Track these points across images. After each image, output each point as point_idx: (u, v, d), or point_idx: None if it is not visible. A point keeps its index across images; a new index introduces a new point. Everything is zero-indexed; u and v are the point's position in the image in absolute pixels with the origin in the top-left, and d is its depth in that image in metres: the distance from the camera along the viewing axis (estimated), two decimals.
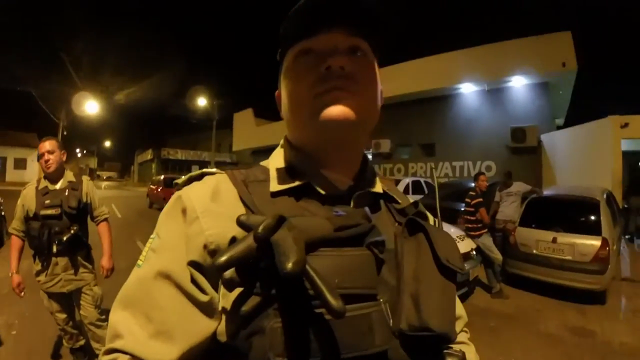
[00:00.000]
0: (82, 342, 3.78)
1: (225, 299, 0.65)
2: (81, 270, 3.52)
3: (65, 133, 27.14)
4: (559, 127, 19.75)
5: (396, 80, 17.70)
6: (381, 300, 0.67)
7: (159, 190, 19.31)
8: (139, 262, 0.72)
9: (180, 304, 0.65)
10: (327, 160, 0.78)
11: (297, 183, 0.76)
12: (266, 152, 25.09)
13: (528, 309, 6.30)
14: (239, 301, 0.61)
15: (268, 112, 38.42)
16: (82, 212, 3.58)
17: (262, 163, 0.86)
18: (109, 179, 75.66)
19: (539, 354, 4.79)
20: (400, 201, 0.89)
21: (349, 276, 0.62)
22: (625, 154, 12.52)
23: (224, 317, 0.66)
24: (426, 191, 13.61)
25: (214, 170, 0.80)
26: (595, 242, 6.37)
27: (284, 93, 0.81)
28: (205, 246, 0.67)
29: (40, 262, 3.41)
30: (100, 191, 18.95)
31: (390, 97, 17.53)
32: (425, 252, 0.73)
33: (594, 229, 6.60)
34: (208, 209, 0.70)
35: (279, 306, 0.59)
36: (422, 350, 0.68)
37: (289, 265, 0.50)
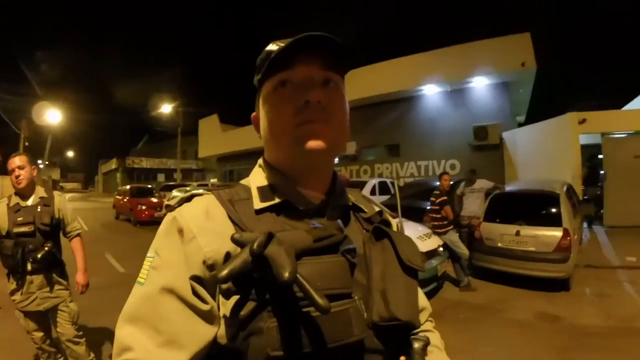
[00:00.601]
0: None
1: (224, 306, 0.73)
2: (56, 287, 3.46)
3: (27, 144, 26.45)
4: (520, 124, 20.22)
5: (360, 83, 17.79)
6: (356, 297, 0.77)
7: (126, 200, 18.87)
8: (140, 279, 0.77)
9: (185, 315, 0.72)
10: (303, 180, 0.87)
11: (277, 200, 0.85)
12: (232, 158, 24.74)
13: (496, 300, 6.48)
14: (237, 307, 0.70)
15: (234, 117, 38.20)
16: (55, 228, 3.52)
17: (242, 182, 0.94)
18: (72, 190, 73.90)
19: (509, 340, 4.95)
20: (366, 210, 0.99)
21: (328, 279, 0.72)
22: (583, 148, 12.93)
23: (223, 322, 0.74)
24: (392, 191, 13.74)
25: (201, 191, 0.88)
26: (557, 233, 6.61)
27: (263, 118, 0.89)
28: (204, 262, 0.75)
29: (15, 281, 3.33)
30: None
31: (354, 100, 17.63)
32: (390, 255, 0.87)
33: (555, 221, 6.84)
34: (203, 228, 0.77)
35: (273, 308, 0.69)
36: (392, 337, 0.81)
37: (286, 275, 0.60)
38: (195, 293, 0.73)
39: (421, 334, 0.89)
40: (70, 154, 75.86)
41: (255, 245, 0.63)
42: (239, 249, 0.69)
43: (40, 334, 3.51)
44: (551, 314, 5.72)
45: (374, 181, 14.20)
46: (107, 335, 4.66)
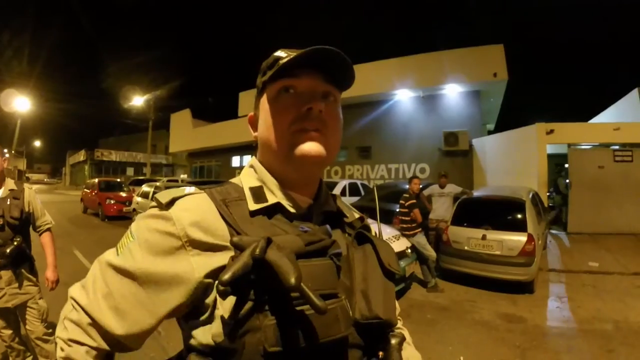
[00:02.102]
0: (29, 359, 3.58)
1: (221, 305, 0.75)
2: (26, 283, 3.34)
3: None
4: (489, 132, 20.71)
5: None
6: (342, 297, 0.81)
7: (94, 194, 18.29)
8: (116, 251, 0.83)
9: (137, 298, 0.78)
10: (294, 184, 0.92)
11: (270, 202, 0.88)
12: (203, 154, 24.42)
13: (462, 301, 6.62)
14: (235, 307, 0.73)
15: (206, 113, 37.69)
16: (25, 223, 3.41)
17: (233, 181, 0.97)
18: (39, 181, 71.89)
19: (474, 340, 5.07)
20: (348, 215, 1.05)
21: (318, 280, 0.76)
22: (550, 157, 13.37)
23: (219, 320, 0.76)
24: (362, 193, 13.81)
25: (193, 189, 0.88)
26: (522, 238, 6.78)
27: (264, 120, 0.92)
28: (191, 262, 0.78)
29: None
30: None
31: None
32: (371, 259, 0.94)
33: (520, 226, 7.02)
34: (197, 225, 0.79)
35: (270, 308, 0.73)
36: (372, 334, 0.88)
37: (293, 280, 0.65)
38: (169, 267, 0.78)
39: (396, 331, 0.96)
40: (37, 143, 73.95)
41: (257, 250, 0.68)
42: (232, 252, 0.76)
43: (9, 332, 3.39)
44: (515, 315, 5.89)
45: (345, 182, 14.23)
46: None
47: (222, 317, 0.75)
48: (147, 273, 0.78)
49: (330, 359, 0.79)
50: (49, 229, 3.66)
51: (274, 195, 0.90)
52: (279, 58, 0.87)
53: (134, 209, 14.89)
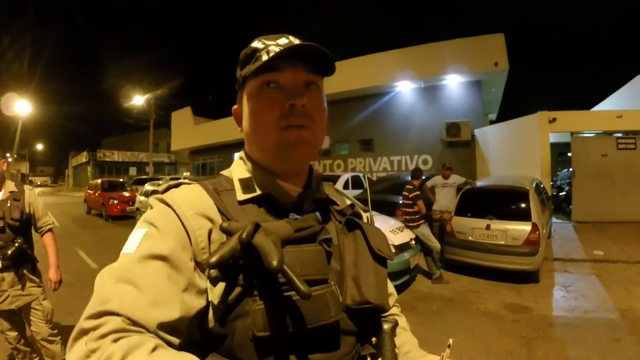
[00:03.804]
0: None
1: (212, 292, 0.76)
2: (29, 284, 3.34)
3: None
4: (491, 122, 20.66)
5: (336, 78, 17.06)
6: (332, 283, 0.83)
7: (97, 194, 18.33)
8: (128, 249, 0.74)
9: (177, 285, 0.71)
10: (283, 175, 0.93)
11: (258, 193, 0.90)
12: (205, 151, 24.45)
13: (467, 292, 6.62)
14: (224, 292, 0.74)
15: (207, 110, 37.64)
16: (26, 224, 3.40)
17: (224, 173, 0.99)
18: (42, 184, 71.94)
19: (480, 330, 5.06)
20: (339, 203, 1.06)
21: (308, 266, 0.78)
22: (553, 146, 13.34)
23: (210, 306, 0.76)
24: (365, 186, 13.78)
25: (187, 180, 0.91)
26: (526, 227, 6.79)
27: (247, 115, 0.93)
28: (196, 243, 0.78)
29: None
30: None
31: (329, 94, 16.71)
32: (361, 245, 0.94)
33: (524, 216, 7.02)
34: (195, 212, 0.80)
35: (258, 293, 0.74)
36: (364, 320, 0.89)
37: (275, 263, 0.65)
38: (193, 267, 0.76)
39: (390, 317, 0.97)
40: (39, 146, 74.13)
41: (244, 235, 0.68)
42: (224, 237, 0.76)
43: (14, 334, 3.41)
44: (520, 305, 5.88)
45: (347, 175, 14.19)
46: None
47: (212, 303, 0.76)
48: (174, 252, 0.73)
49: (322, 344, 0.80)
50: (50, 230, 3.62)
51: (264, 186, 0.91)
52: (257, 50, 0.89)
53: (137, 209, 14.94)
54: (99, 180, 20.25)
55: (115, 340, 0.59)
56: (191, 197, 0.83)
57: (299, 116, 0.86)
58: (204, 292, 0.76)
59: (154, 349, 0.60)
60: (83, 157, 53.26)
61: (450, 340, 0.86)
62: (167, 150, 45.74)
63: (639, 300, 5.93)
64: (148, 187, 15.21)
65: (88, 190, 20.54)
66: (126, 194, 17.94)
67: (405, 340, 1.06)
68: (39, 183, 71.46)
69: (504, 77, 17.51)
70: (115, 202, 17.02)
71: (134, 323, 0.63)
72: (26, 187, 3.50)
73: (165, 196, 0.83)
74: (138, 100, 29.59)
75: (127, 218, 16.33)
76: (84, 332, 0.62)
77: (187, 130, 33.28)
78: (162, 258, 0.72)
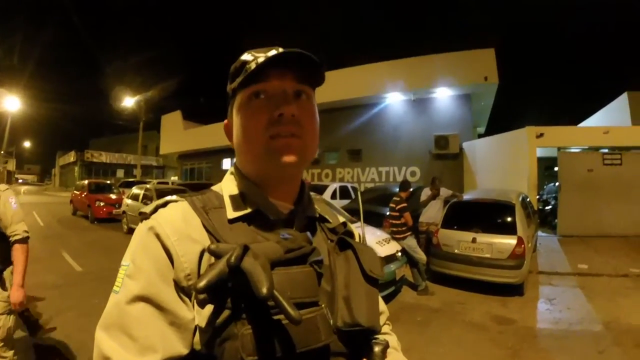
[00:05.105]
0: None
1: (199, 315, 0.75)
2: None
3: None
4: (480, 135, 20.86)
5: (326, 88, 16.87)
6: (322, 305, 0.81)
7: (83, 196, 18.09)
8: (116, 288, 0.79)
9: (161, 322, 0.74)
10: (273, 189, 0.91)
11: (249, 210, 0.88)
12: (194, 156, 24.36)
13: (453, 303, 6.66)
14: (212, 315, 0.73)
15: (197, 114, 37.48)
16: None
17: (214, 188, 0.98)
18: (27, 182, 71.06)
19: (465, 341, 5.12)
20: (331, 221, 1.06)
21: (298, 289, 0.76)
22: (540, 160, 13.55)
23: (198, 330, 0.76)
24: (353, 196, 13.83)
25: (175, 197, 0.90)
26: (512, 241, 6.85)
27: (237, 127, 0.92)
28: (181, 270, 0.77)
29: None
30: (20, 197, 17.13)
31: (319, 103, 17.00)
32: (353, 265, 0.93)
33: (510, 229, 7.09)
34: (181, 236, 0.79)
35: (246, 316, 0.72)
36: (355, 341, 0.87)
37: (264, 290, 0.65)
38: (177, 299, 0.77)
39: (380, 337, 0.94)
40: (27, 144, 73.44)
41: (232, 258, 0.68)
42: (212, 258, 0.74)
43: None
44: (506, 317, 5.94)
45: (335, 185, 14.23)
46: (65, 334, 4.57)
47: (199, 326, 0.76)
48: (154, 290, 0.76)
49: None
50: (21, 241, 3.04)
51: (254, 202, 0.90)
52: (246, 62, 0.89)
53: (124, 212, 14.68)
54: (86, 182, 20.04)
55: None
56: (178, 219, 0.82)
57: (288, 125, 0.85)
58: (190, 320, 0.77)
59: None
60: (71, 157, 52.80)
61: None
62: (155, 154, 45.49)
63: (624, 312, 6.03)
64: (135, 190, 15.00)
65: (74, 191, 20.29)
66: (113, 196, 17.65)
67: None
68: (20, 181, 70.51)
69: (494, 91, 17.73)
70: (102, 204, 16.75)
71: None
72: (1, 186, 3.12)
73: (152, 221, 0.83)
74: (128, 101, 29.24)
75: (113, 221, 16.08)
76: None
77: (177, 134, 33.19)
78: (144, 299, 0.74)
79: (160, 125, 36.37)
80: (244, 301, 0.72)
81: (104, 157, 51.01)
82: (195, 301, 0.76)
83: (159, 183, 18.58)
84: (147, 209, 0.87)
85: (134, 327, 0.72)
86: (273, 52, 0.86)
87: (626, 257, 9.48)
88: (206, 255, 0.78)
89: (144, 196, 13.47)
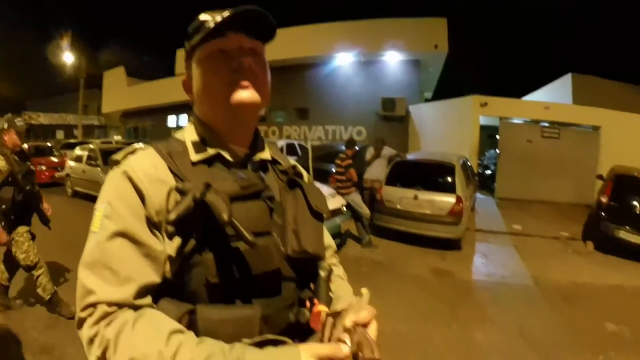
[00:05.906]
0: None
1: (169, 246, 0.86)
2: None
3: None
4: (427, 100, 21.18)
5: (275, 46, 16.82)
6: (274, 235, 0.95)
7: None
8: (94, 229, 0.87)
9: (137, 254, 0.83)
10: (231, 135, 1.01)
11: (210, 153, 0.98)
12: (138, 114, 23.61)
13: (395, 256, 6.91)
14: (181, 246, 0.85)
15: (141, 71, 36.16)
16: None
17: (176, 135, 1.05)
18: None
19: (406, 292, 5.34)
20: (283, 163, 1.16)
21: (253, 220, 0.88)
22: (483, 128, 14.09)
23: (169, 259, 0.86)
24: (299, 153, 13.88)
25: (142, 145, 1.00)
26: (451, 199, 7.14)
27: (198, 79, 1.00)
28: (153, 208, 0.87)
29: None
30: None
31: (268, 61, 17.12)
32: (301, 201, 1.04)
33: (449, 188, 7.39)
34: (150, 178, 0.88)
35: (209, 245, 0.84)
36: (303, 267, 0.99)
37: (225, 216, 0.78)
38: (150, 234, 0.86)
39: (325, 264, 1.05)
40: None
41: (197, 194, 0.80)
42: (179, 197, 0.85)
43: None
44: (444, 270, 6.24)
45: (282, 142, 14.28)
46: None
47: (170, 256, 0.86)
48: (130, 225, 0.84)
49: (266, 289, 0.92)
50: None
51: (214, 146, 0.99)
52: (205, 21, 0.95)
53: (67, 174, 13.80)
54: (26, 145, 18.90)
55: (108, 324, 0.77)
56: (147, 164, 0.90)
57: (245, 73, 0.94)
58: (162, 252, 0.86)
59: (135, 321, 0.76)
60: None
61: (364, 290, 0.93)
62: (97, 113, 43.81)
63: (551, 270, 6.41)
64: (78, 151, 13.93)
65: None
66: (54, 159, 16.39)
67: (339, 286, 1.16)
68: None
69: (443, 59, 18.09)
70: (44, 168, 15.40)
71: (114, 304, 0.78)
72: None
73: (124, 166, 0.91)
74: (68, 57, 27.73)
75: (56, 185, 14.74)
76: (82, 321, 0.80)
77: (120, 91, 31.92)
78: (121, 234, 0.83)
79: (102, 82, 34.90)
80: (207, 232, 0.84)
81: (42, 118, 48.49)
82: (165, 234, 0.84)
83: (102, 142, 17.90)
84: (118, 156, 0.96)
85: (114, 261, 0.81)
86: (227, 13, 0.91)
87: (557, 222, 10.01)
88: (172, 193, 0.87)
89: (89, 157, 12.65)
